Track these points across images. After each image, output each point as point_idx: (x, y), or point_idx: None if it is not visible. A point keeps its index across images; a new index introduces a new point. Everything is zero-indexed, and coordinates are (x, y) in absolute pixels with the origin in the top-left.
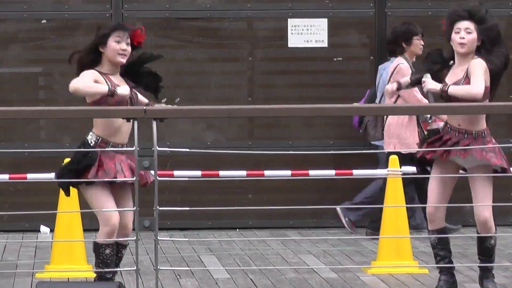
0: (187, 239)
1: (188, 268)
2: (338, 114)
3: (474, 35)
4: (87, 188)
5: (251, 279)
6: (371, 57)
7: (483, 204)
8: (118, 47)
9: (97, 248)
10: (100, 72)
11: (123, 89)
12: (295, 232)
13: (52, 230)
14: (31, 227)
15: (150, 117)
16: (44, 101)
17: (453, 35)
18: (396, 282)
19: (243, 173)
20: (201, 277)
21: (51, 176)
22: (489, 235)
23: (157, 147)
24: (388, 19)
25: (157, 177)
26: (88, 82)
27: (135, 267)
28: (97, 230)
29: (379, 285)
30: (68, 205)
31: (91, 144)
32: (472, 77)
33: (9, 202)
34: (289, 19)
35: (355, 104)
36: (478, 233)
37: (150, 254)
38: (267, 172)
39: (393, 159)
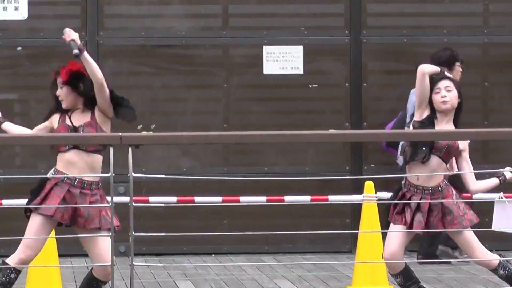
0: (162, 265)
1: None
2: (314, 141)
3: (455, 92)
4: (32, 213)
5: None
6: (347, 84)
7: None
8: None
9: (5, 270)
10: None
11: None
12: (270, 258)
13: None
14: (6, 253)
15: (126, 143)
16: None
17: (434, 96)
18: None
19: (218, 199)
20: None
21: (25, 202)
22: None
23: (132, 173)
24: (363, 46)
25: (133, 203)
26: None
27: None
28: (73, 255)
29: None
30: None
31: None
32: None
33: None
34: (264, 46)
35: (331, 131)
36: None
37: (125, 279)
38: (242, 198)
39: (369, 185)
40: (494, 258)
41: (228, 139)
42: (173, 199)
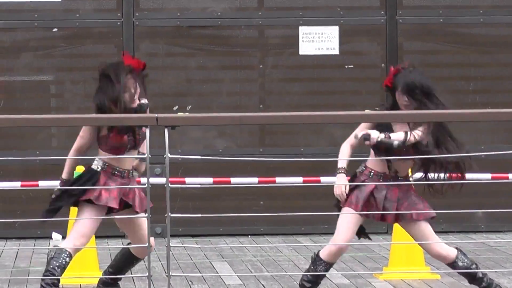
0: (199, 246)
1: (200, 275)
2: (350, 121)
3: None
4: (83, 205)
5: (263, 285)
6: (382, 64)
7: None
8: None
9: (60, 253)
10: None
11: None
12: (306, 239)
13: (64, 237)
14: (43, 234)
15: (162, 124)
16: (55, 109)
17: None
18: (408, 287)
19: (254, 180)
20: (213, 284)
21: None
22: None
23: (168, 155)
24: (399, 26)
25: (169, 184)
26: None
27: (147, 274)
28: (109, 236)
29: None
30: None
31: (98, 170)
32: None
33: (21, 209)
34: (300, 27)
35: (367, 111)
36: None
37: (162, 260)
38: (278, 179)
39: None
40: (451, 251)
41: (264, 120)
42: (209, 180)
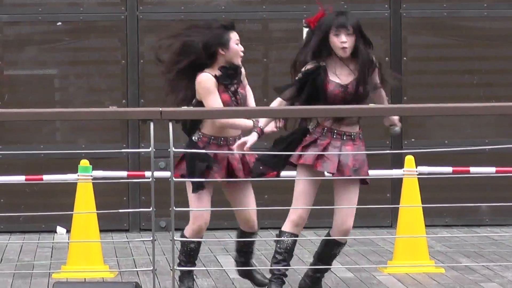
0: (203, 240)
1: (204, 268)
2: (357, 115)
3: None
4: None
5: (267, 279)
6: (387, 58)
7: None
8: (239, 49)
9: (183, 242)
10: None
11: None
12: (311, 232)
13: (68, 231)
14: (47, 228)
15: (166, 118)
16: (59, 102)
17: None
18: (413, 281)
19: None
20: (217, 277)
21: (66, 177)
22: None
23: (173, 148)
24: (403, 20)
25: (173, 178)
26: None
27: (152, 267)
28: (113, 230)
29: (396, 285)
30: (84, 206)
31: (200, 145)
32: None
33: (25, 203)
34: (304, 20)
35: (371, 105)
36: (330, 237)
37: (166, 254)
38: (283, 173)
39: (409, 159)
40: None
41: (268, 114)
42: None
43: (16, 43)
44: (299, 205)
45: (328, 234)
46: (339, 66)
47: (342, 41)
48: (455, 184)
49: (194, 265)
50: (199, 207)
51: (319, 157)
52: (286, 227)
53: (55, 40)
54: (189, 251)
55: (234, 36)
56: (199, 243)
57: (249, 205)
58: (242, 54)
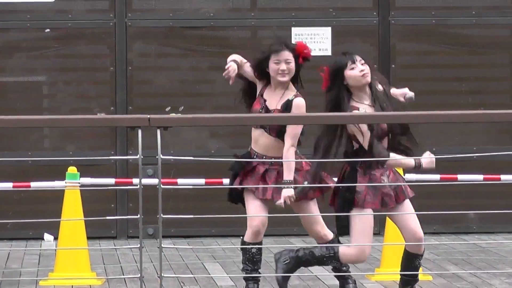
0: (191, 247)
1: (192, 276)
2: (348, 123)
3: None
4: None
5: None
6: (375, 66)
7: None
8: (277, 68)
9: (244, 247)
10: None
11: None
12: (299, 240)
13: (56, 238)
14: (35, 235)
15: (154, 125)
16: (48, 109)
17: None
18: None
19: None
20: (205, 285)
21: (54, 184)
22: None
23: (161, 155)
24: (392, 27)
25: (161, 185)
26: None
27: (139, 275)
28: (100, 238)
29: None
30: (72, 213)
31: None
32: None
33: (12, 210)
34: (292, 28)
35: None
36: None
37: (154, 261)
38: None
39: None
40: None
41: (257, 121)
42: (202, 181)
43: (5, 50)
44: (363, 242)
45: (405, 250)
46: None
47: (361, 70)
48: (443, 192)
49: (257, 272)
50: (251, 212)
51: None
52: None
53: (44, 47)
54: (252, 257)
55: (275, 56)
56: (260, 247)
57: (316, 219)
58: (281, 73)
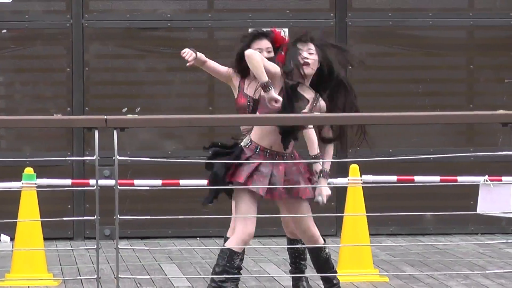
0: (147, 248)
1: (148, 277)
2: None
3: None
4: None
5: None
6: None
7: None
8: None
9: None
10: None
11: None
12: (255, 241)
13: (12, 239)
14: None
15: (111, 126)
16: (4, 110)
17: None
18: None
19: (203, 182)
20: (161, 286)
21: (10, 185)
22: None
23: (117, 156)
24: (348, 29)
25: (118, 186)
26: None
27: (96, 276)
28: (57, 239)
29: None
30: (28, 214)
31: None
32: None
33: None
34: (250, 29)
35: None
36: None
37: (111, 262)
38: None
39: (354, 168)
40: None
41: (213, 122)
42: (158, 182)
43: None
44: (248, 224)
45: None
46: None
47: (304, 58)
48: (400, 193)
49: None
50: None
51: (250, 176)
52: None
53: (0, 47)
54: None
55: (257, 45)
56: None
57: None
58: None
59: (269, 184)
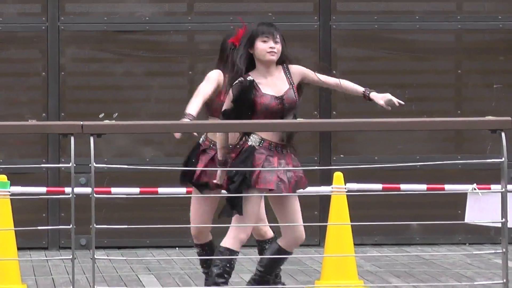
0: (125, 258)
1: None
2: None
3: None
4: None
5: None
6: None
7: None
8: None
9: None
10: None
11: None
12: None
13: None
14: None
15: (87, 132)
16: None
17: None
18: None
19: (182, 190)
20: None
21: None
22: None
23: (94, 164)
24: (333, 32)
25: (94, 194)
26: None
27: (71, 287)
28: (31, 248)
29: None
30: (1, 223)
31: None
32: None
33: None
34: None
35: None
36: (283, 250)
37: (87, 273)
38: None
39: (338, 176)
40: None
41: (192, 128)
42: (136, 190)
43: None
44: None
45: (277, 243)
46: (268, 77)
47: (271, 47)
48: (385, 202)
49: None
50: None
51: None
52: (235, 246)
53: None
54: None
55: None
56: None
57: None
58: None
59: (278, 178)
